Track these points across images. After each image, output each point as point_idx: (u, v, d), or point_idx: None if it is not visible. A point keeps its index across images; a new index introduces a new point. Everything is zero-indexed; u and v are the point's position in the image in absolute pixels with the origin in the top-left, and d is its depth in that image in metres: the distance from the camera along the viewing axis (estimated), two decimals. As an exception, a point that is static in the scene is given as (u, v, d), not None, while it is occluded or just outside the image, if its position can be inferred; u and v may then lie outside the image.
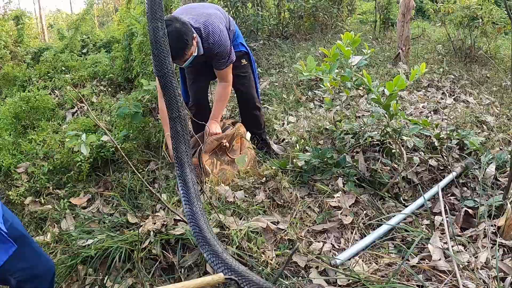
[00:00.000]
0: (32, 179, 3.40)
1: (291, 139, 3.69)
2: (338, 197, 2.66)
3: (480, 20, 6.89)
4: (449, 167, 3.15)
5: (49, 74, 6.48)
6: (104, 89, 5.76)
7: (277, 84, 5.57)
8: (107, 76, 6.00)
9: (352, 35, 2.88)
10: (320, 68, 2.71)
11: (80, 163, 3.28)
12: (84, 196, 3.21)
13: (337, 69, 2.89)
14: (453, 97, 5.58)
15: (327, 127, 3.72)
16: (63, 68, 6.62)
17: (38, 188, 3.32)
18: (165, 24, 2.36)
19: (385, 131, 3.03)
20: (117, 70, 5.92)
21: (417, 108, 4.99)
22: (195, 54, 2.85)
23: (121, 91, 5.71)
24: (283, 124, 4.16)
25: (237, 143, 3.16)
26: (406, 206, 2.73)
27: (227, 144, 3.03)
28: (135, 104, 3.36)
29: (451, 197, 2.95)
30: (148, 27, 2.10)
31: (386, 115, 2.91)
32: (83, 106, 5.17)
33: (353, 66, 3.03)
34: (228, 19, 3.21)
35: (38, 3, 15.76)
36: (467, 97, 5.65)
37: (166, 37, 2.09)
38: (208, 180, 2.78)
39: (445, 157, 3.21)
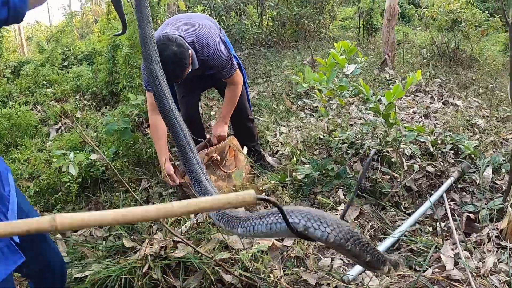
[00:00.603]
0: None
1: (285, 150, 3.61)
2: (341, 209, 2.58)
3: (463, 23, 6.94)
4: (446, 172, 3.11)
5: (30, 89, 6.28)
6: (88, 103, 5.60)
7: (265, 93, 5.50)
8: (90, 90, 5.84)
9: (348, 43, 2.82)
10: (317, 79, 2.63)
11: (68, 183, 3.14)
12: (74, 218, 3.07)
13: (332, 78, 2.84)
14: (441, 101, 5.58)
15: (321, 136, 3.65)
16: (45, 83, 6.44)
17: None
18: (160, 48, 2.26)
19: (384, 140, 2.97)
20: (100, 84, 5.78)
21: (408, 114, 4.97)
22: (190, 69, 2.72)
23: (106, 105, 5.56)
24: (276, 135, 4.08)
25: (230, 157, 3.06)
26: (408, 214, 2.69)
27: (218, 158, 2.93)
28: (123, 119, 3.24)
29: (451, 203, 2.91)
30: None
31: (384, 124, 2.86)
32: (68, 122, 5.02)
33: (348, 74, 2.98)
34: (220, 29, 3.12)
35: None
36: (455, 101, 5.66)
37: (163, 76, 1.92)
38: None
39: (441, 163, 3.17)
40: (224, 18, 7.74)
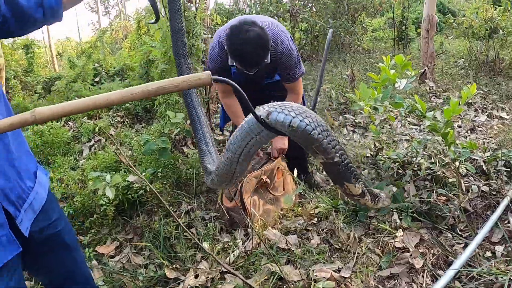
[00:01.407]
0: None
1: None
2: (401, 236, 2.38)
3: (501, 31, 6.67)
4: (502, 191, 2.90)
5: (62, 106, 6.26)
6: (122, 120, 5.51)
7: (304, 108, 5.31)
8: (123, 106, 5.76)
9: (402, 57, 2.63)
10: (374, 95, 2.45)
11: (104, 206, 3.01)
12: (111, 243, 2.93)
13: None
14: (486, 114, 5.33)
15: (368, 154, 3.46)
16: (76, 98, 6.41)
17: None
18: (244, 29, 2.27)
19: (441, 160, 2.76)
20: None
21: (453, 128, 4.73)
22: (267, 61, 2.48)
23: (140, 122, 5.46)
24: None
25: (278, 179, 2.89)
26: (464, 237, 2.52)
27: (267, 180, 2.76)
28: (162, 139, 3.10)
29: (508, 224, 2.69)
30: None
31: (441, 143, 2.66)
32: (101, 140, 4.94)
33: (400, 90, 2.79)
34: (290, 36, 2.92)
35: (47, 31, 15.71)
36: (500, 113, 5.40)
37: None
38: (253, 223, 2.50)
39: (496, 181, 2.95)
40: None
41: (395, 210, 2.62)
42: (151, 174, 3.18)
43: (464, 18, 6.79)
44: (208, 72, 0.93)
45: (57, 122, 5.54)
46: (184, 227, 2.22)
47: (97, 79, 7.86)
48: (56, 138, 4.81)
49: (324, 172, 3.41)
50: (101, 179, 2.84)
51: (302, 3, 8.00)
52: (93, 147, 4.85)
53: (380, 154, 3.34)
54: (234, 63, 2.50)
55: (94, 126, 5.17)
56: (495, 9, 6.88)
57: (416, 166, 2.94)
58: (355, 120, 4.43)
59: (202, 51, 4.00)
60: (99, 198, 3.06)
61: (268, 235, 2.38)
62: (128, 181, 3.03)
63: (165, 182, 3.11)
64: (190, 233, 2.22)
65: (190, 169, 3.22)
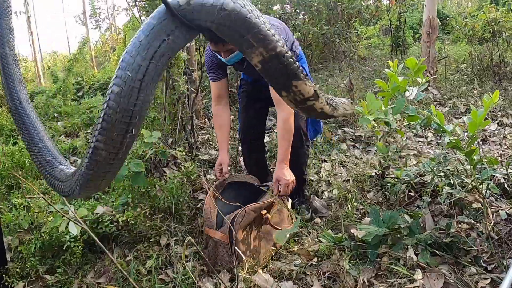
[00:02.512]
0: (20, 259, 2.68)
1: (332, 192, 2.98)
2: (421, 280, 1.94)
3: (504, 33, 6.29)
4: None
5: (40, 123, 5.81)
6: (101, 137, 5.06)
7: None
8: (103, 122, 5.32)
9: (415, 60, 2.22)
10: (382, 107, 2.03)
11: (69, 243, 2.56)
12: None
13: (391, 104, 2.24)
14: (496, 122, 4.93)
15: (373, 173, 3.03)
16: (55, 115, 5.96)
17: (28, 270, 2.58)
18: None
19: (464, 182, 2.34)
20: (114, 115, 5.27)
21: (463, 139, 4.31)
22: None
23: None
24: (319, 172, 3.43)
25: (275, 207, 2.43)
26: (489, 271, 2.11)
27: (269, 215, 2.31)
28: (135, 162, 2.66)
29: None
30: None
31: (464, 162, 2.24)
32: (77, 160, 4.49)
33: (411, 100, 2.38)
34: (292, 38, 2.56)
35: (33, 45, 15.25)
36: (510, 120, 5.01)
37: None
38: (241, 267, 2.05)
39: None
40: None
41: (410, 245, 2.19)
42: (123, 203, 2.74)
43: (467, 20, 6.41)
44: None
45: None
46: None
47: (80, 94, 7.43)
48: (28, 159, 4.36)
49: (321, 199, 2.98)
50: (64, 212, 2.41)
51: (294, 10, 7.62)
52: (69, 169, 4.41)
53: (386, 173, 2.92)
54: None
55: (70, 145, 4.72)
56: (497, 10, 6.52)
57: (431, 188, 2.51)
58: (355, 134, 4.01)
59: (183, 61, 3.58)
60: (65, 233, 2.61)
61: (258, 281, 1.94)
62: (96, 214, 2.59)
63: (138, 211, 2.66)
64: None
65: (170, 197, 2.78)
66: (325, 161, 3.57)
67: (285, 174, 2.40)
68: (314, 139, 3.11)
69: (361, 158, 3.56)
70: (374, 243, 2.06)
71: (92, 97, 6.63)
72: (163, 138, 3.57)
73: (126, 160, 2.66)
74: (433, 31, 5.74)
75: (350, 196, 2.71)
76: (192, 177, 3.18)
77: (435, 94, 5.51)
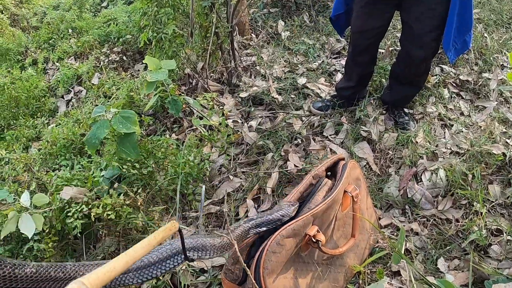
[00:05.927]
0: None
1: (438, 173, 1.85)
2: None
3: None
4: None
5: (50, 41, 4.85)
6: (117, 58, 4.06)
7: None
8: (122, 39, 4.28)
9: None
10: None
11: (31, 243, 1.69)
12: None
13: None
14: None
15: (498, 152, 1.92)
16: (69, 31, 4.97)
17: None
18: None
19: None
20: (134, 30, 4.23)
21: None
22: None
23: (141, 61, 4.01)
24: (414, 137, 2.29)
25: (345, 201, 1.40)
26: None
27: (321, 238, 1.28)
28: (125, 113, 1.65)
29: None
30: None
31: None
32: (82, 90, 3.57)
33: None
34: None
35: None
36: None
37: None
38: None
39: None
40: None
41: None
42: (110, 177, 1.79)
43: None
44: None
45: (33, 66, 4.22)
46: None
47: (104, 4, 6.35)
48: (22, 93, 3.49)
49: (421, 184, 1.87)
50: (16, 204, 1.55)
51: None
52: (71, 102, 3.50)
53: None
54: None
55: (75, 71, 3.78)
56: None
57: None
58: (460, 77, 2.75)
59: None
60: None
61: None
62: (63, 200, 1.67)
63: (135, 191, 1.71)
64: None
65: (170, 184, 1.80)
66: (420, 113, 2.41)
67: None
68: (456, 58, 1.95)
69: (469, 117, 2.39)
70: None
71: (111, 8, 5.54)
72: (191, 64, 2.54)
73: (108, 110, 1.69)
74: None
75: (474, 194, 1.61)
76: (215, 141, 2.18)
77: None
